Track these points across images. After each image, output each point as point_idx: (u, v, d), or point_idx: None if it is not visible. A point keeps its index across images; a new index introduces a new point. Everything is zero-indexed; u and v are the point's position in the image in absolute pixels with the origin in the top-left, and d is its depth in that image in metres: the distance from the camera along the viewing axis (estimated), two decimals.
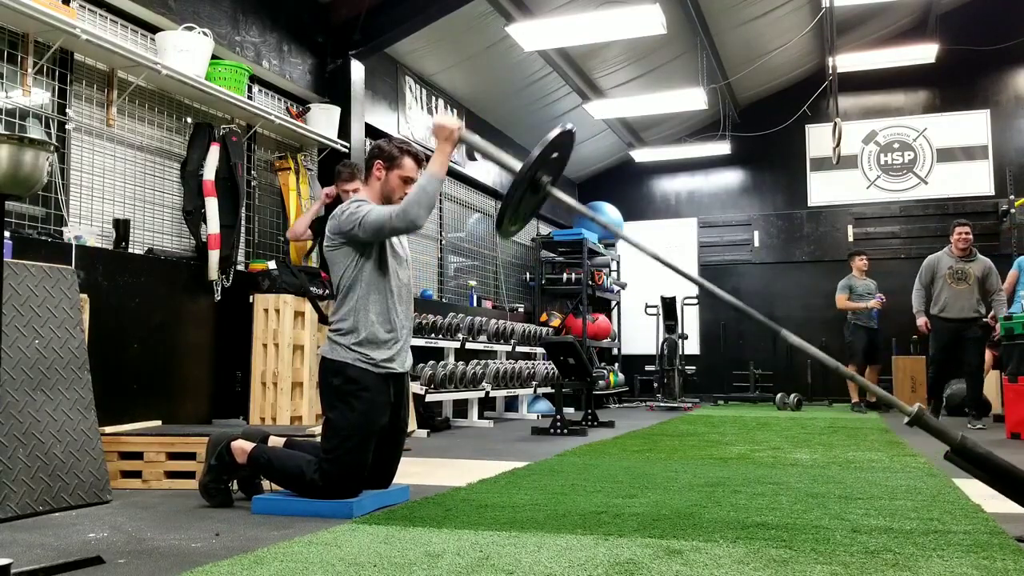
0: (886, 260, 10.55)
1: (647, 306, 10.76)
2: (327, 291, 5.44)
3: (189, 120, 5.11)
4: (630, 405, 10.58)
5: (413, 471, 3.99)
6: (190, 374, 4.90)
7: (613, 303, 11.42)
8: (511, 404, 8.40)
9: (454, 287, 8.69)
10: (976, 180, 10.66)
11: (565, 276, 10.07)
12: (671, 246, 11.75)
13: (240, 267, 5.32)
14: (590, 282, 10.10)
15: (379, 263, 3.10)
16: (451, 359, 7.05)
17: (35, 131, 4.07)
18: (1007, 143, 10.58)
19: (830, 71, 8.02)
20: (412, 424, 6.00)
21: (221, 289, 5.04)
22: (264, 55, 5.64)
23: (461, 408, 7.48)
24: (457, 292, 8.71)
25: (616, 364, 11.21)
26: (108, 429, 3.62)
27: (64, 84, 4.27)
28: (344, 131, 6.12)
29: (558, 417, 6.21)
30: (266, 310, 5.09)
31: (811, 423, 7.26)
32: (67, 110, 4.26)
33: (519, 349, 8.32)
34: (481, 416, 7.33)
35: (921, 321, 7.16)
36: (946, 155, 10.83)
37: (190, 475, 3.54)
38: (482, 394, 7.11)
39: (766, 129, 10.91)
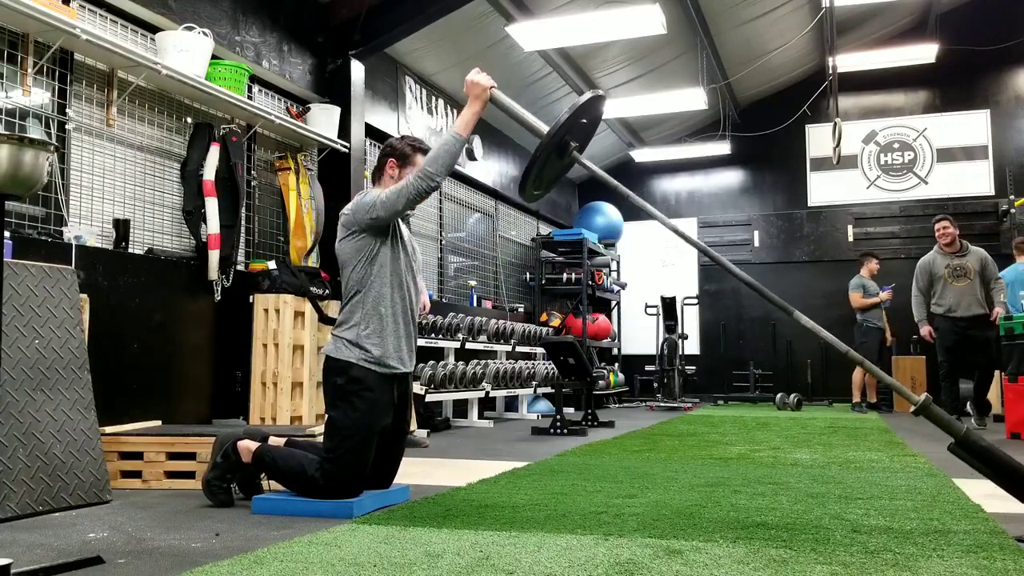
0: (886, 260, 10.52)
1: (647, 306, 10.76)
2: (327, 291, 5.44)
3: (189, 120, 5.11)
4: (630, 405, 10.59)
5: (413, 471, 3.99)
6: (190, 374, 4.90)
7: (613, 303, 11.42)
8: (511, 404, 8.40)
9: (454, 287, 8.69)
10: (976, 180, 10.66)
11: (565, 276, 10.07)
12: (671, 246, 11.75)
13: (240, 267, 5.32)
14: (590, 282, 10.10)
15: (388, 262, 3.08)
16: (451, 359, 7.05)
17: (35, 131, 4.07)
18: (1007, 143, 10.58)
19: (830, 71, 8.03)
20: (412, 424, 6.00)
21: (221, 289, 5.04)
22: (264, 55, 5.64)
23: (461, 408, 7.48)
24: (457, 292, 8.71)
25: (616, 364, 11.22)
26: (108, 429, 3.62)
27: (64, 84, 4.26)
28: (344, 131, 6.13)
29: (558, 417, 6.21)
30: (266, 310, 5.09)
31: (811, 423, 7.26)
32: (67, 110, 4.26)
33: (519, 349, 8.32)
34: (481, 416, 7.33)
35: (925, 330, 6.88)
36: (946, 155, 10.83)
37: (190, 475, 3.54)
38: (482, 394, 7.11)
39: (766, 129, 10.91)
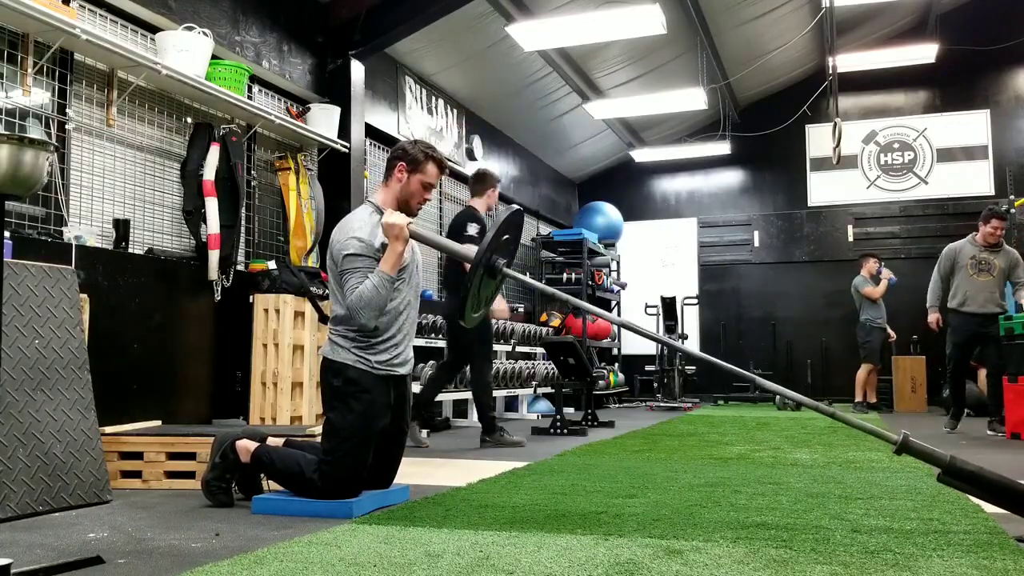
0: (886, 260, 10.53)
1: (647, 306, 10.76)
2: (327, 291, 5.44)
3: (189, 120, 5.11)
4: (630, 405, 10.59)
5: (413, 471, 3.99)
6: (190, 374, 4.90)
7: (613, 303, 11.42)
8: (511, 404, 8.40)
9: None
10: (976, 180, 10.67)
11: (565, 276, 10.07)
12: (671, 246, 11.76)
13: (240, 267, 5.32)
14: (590, 282, 10.11)
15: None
16: None
17: (35, 131, 4.07)
18: (1007, 143, 10.58)
19: (830, 71, 8.02)
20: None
21: (221, 289, 5.04)
22: (264, 55, 5.64)
23: (461, 408, 7.48)
24: None
25: (616, 364, 11.22)
26: (108, 429, 3.61)
27: (64, 84, 4.27)
28: (344, 131, 6.13)
29: (558, 417, 6.20)
30: (266, 310, 5.09)
31: (811, 423, 7.26)
32: (67, 110, 4.26)
33: (519, 349, 8.32)
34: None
35: (933, 318, 6.45)
36: (946, 155, 10.83)
37: (190, 475, 3.53)
38: None
39: (766, 129, 10.91)
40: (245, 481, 3.21)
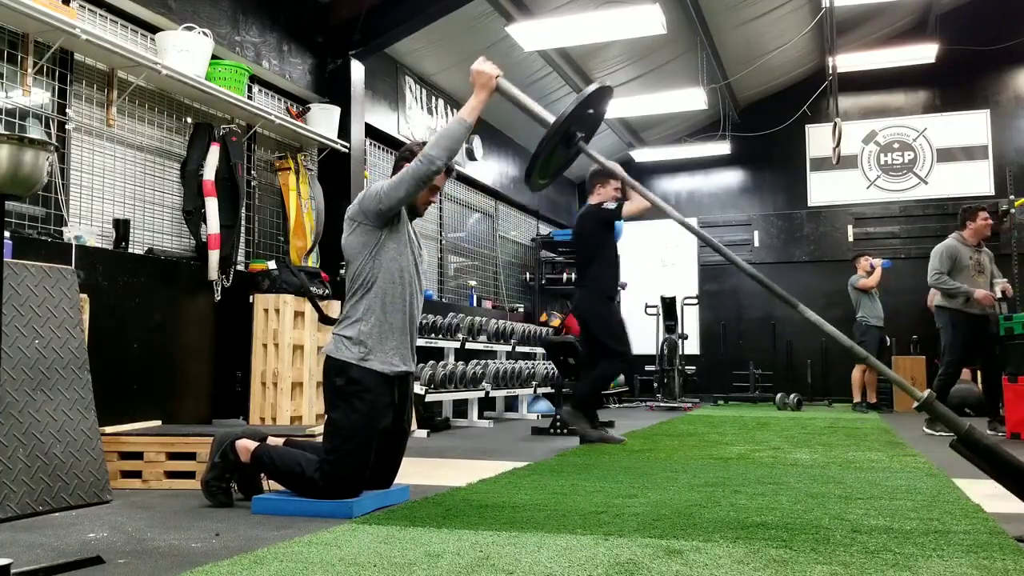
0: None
1: (647, 306, 10.76)
2: (327, 291, 5.45)
3: (189, 120, 5.11)
4: (630, 405, 10.58)
5: (413, 471, 3.99)
6: (190, 374, 4.90)
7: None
8: (511, 404, 8.40)
9: (454, 287, 8.69)
10: (976, 180, 10.66)
11: (565, 276, 10.08)
12: (670, 246, 11.75)
13: (240, 267, 5.32)
14: None
15: (394, 256, 3.06)
16: (451, 359, 7.05)
17: (35, 131, 4.07)
18: (1007, 143, 10.58)
19: (830, 71, 8.02)
20: (412, 424, 6.00)
21: (221, 289, 5.04)
22: (264, 55, 5.64)
23: (461, 408, 7.48)
24: (457, 292, 8.71)
25: None
26: (108, 429, 3.61)
27: (64, 84, 4.27)
28: (344, 131, 6.13)
29: (558, 417, 6.21)
30: (266, 310, 5.09)
31: (811, 423, 7.26)
32: (67, 110, 4.26)
33: (519, 349, 8.32)
34: (481, 416, 7.33)
35: (981, 293, 6.14)
36: (946, 155, 10.83)
37: (190, 475, 3.53)
38: (482, 394, 7.11)
39: (766, 129, 10.91)
40: (245, 481, 3.21)
